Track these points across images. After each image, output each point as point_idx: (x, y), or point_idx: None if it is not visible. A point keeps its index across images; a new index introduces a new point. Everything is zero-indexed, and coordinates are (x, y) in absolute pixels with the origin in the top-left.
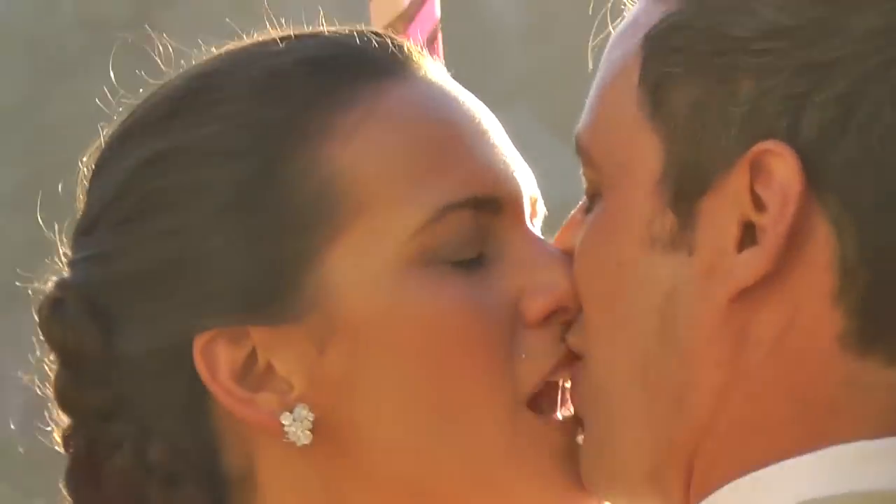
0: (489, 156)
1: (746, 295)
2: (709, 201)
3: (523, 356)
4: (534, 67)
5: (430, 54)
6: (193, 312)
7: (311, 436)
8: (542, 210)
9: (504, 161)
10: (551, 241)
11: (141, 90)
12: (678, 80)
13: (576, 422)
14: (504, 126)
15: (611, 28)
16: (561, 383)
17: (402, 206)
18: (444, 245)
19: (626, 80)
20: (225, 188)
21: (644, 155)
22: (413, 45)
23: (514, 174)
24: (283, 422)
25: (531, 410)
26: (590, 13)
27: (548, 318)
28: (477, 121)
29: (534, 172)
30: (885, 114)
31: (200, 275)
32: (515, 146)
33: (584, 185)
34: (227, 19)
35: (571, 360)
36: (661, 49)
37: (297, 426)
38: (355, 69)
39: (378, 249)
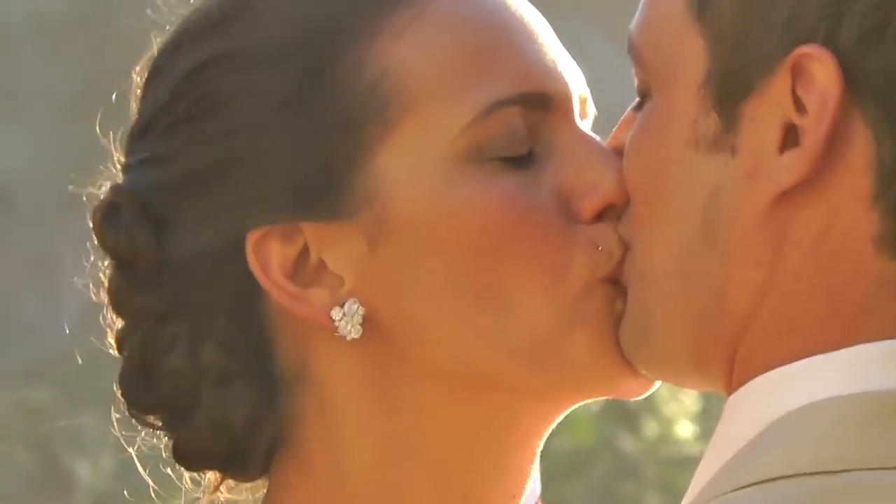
0: (538, 54)
1: (787, 196)
2: (751, 104)
3: (599, 248)
4: None
5: None
6: (246, 211)
7: (362, 330)
8: (592, 111)
9: (553, 60)
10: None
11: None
12: None
13: None
14: (558, 32)
15: None
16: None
17: (452, 103)
18: (493, 142)
19: None
20: (275, 89)
21: (690, 55)
22: None
23: (564, 73)
24: (334, 316)
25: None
26: None
27: (601, 214)
28: (525, 21)
29: (586, 77)
30: None
31: (253, 174)
32: (568, 50)
33: (636, 83)
34: None
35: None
36: None
37: (347, 320)
38: None
39: (428, 146)
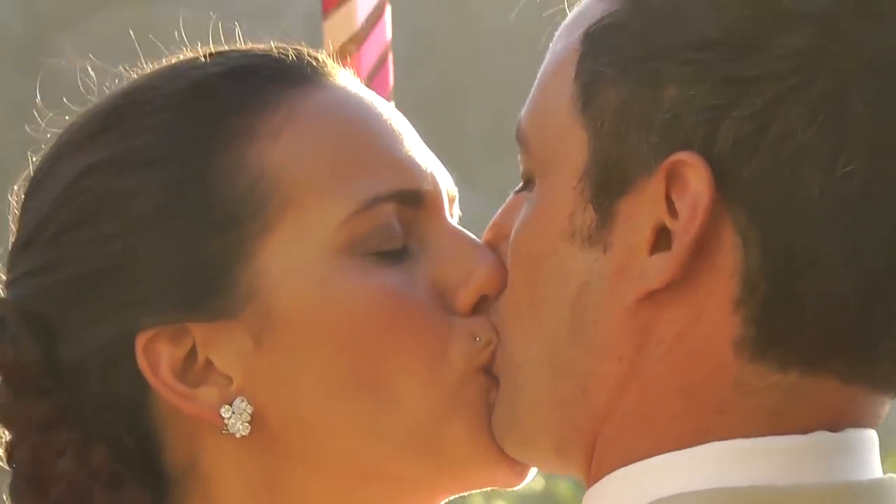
0: (410, 154)
1: (653, 296)
2: (627, 202)
3: (477, 339)
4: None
5: (382, 74)
6: (133, 313)
7: (250, 427)
8: (457, 211)
9: (423, 159)
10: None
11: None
12: (609, 79)
13: None
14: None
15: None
16: None
17: (330, 199)
18: (370, 236)
19: (564, 72)
20: (155, 193)
21: (572, 148)
22: (327, 57)
23: (434, 172)
24: (224, 414)
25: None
26: None
27: (477, 306)
28: (393, 123)
29: None
30: (797, 134)
31: (137, 276)
32: None
33: (521, 169)
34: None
35: None
36: (596, 47)
37: (236, 418)
38: (276, 76)
39: (307, 241)
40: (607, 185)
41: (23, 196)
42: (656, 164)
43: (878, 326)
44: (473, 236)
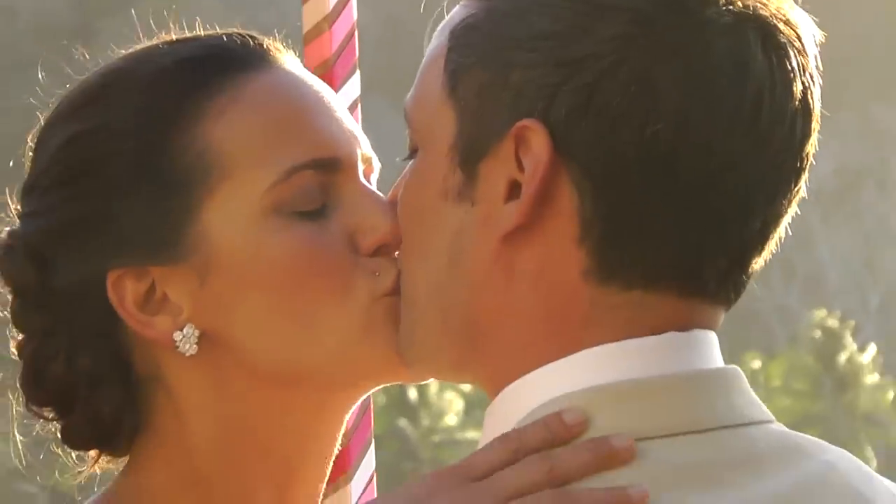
0: (329, 126)
1: (512, 238)
2: (486, 164)
3: (377, 274)
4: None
5: (349, 49)
6: (106, 256)
7: (198, 347)
8: (377, 166)
9: (342, 129)
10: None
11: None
12: (469, 69)
13: None
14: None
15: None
16: None
17: (258, 170)
18: (291, 199)
19: (437, 64)
20: (125, 160)
21: (443, 124)
22: (273, 42)
23: (350, 139)
24: (176, 338)
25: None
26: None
27: (378, 250)
28: (321, 99)
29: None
30: (614, 104)
31: (110, 227)
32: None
33: (408, 142)
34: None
35: None
36: (458, 43)
37: (186, 341)
38: (224, 64)
39: (241, 204)
40: (470, 151)
41: (32, 146)
42: (506, 130)
43: (696, 254)
44: (380, 194)
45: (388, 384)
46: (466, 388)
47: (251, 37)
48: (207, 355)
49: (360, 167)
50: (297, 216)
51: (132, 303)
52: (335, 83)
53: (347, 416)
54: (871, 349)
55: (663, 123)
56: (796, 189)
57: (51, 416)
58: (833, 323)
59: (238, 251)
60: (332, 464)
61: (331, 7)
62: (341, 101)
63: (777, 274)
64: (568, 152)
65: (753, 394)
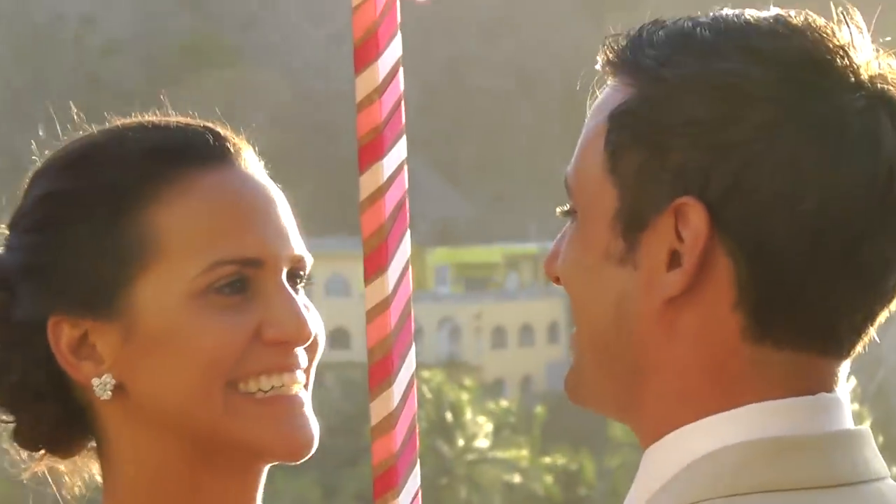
0: (262, 228)
1: (674, 301)
2: (647, 235)
3: (259, 364)
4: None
5: (396, 116)
6: (52, 301)
7: (110, 395)
8: (310, 261)
9: (272, 231)
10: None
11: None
12: (629, 148)
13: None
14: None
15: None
16: (291, 382)
17: (189, 259)
18: (213, 288)
19: (596, 142)
20: (85, 225)
21: (605, 197)
22: (236, 139)
23: (277, 241)
24: (94, 383)
25: (249, 394)
26: None
27: (279, 344)
28: (261, 201)
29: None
30: (765, 185)
31: (61, 278)
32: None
33: (568, 205)
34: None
35: (296, 379)
36: (618, 125)
37: (101, 387)
38: (183, 158)
39: (169, 285)
40: (632, 222)
41: (24, 187)
42: (666, 206)
43: (836, 315)
44: (295, 296)
45: (287, 462)
46: (496, 412)
47: (215, 133)
48: (120, 402)
49: (284, 268)
50: (215, 302)
51: (65, 345)
52: (384, 147)
53: (262, 479)
54: (851, 381)
55: (809, 201)
56: None
57: (5, 417)
58: None
59: (159, 322)
60: (379, 482)
61: (380, 79)
62: (390, 164)
63: None
64: (723, 227)
65: (877, 450)
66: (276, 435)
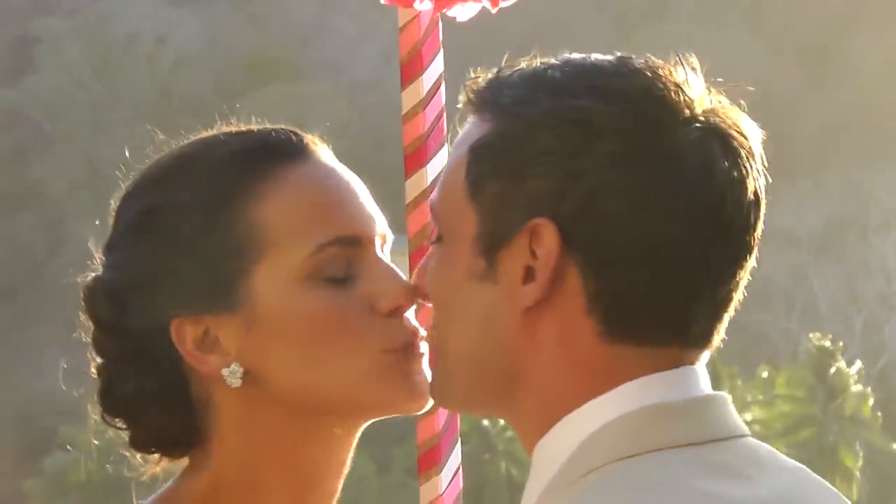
0: (353, 209)
1: (532, 311)
2: (504, 253)
3: (389, 333)
4: None
5: (439, 128)
6: (171, 306)
7: (241, 382)
8: (391, 238)
9: (363, 212)
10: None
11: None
12: (487, 178)
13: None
14: None
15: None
16: (416, 341)
17: (296, 243)
18: (322, 269)
19: (458, 172)
20: (191, 230)
21: (466, 222)
22: (312, 137)
23: (369, 220)
24: (223, 373)
25: (392, 356)
26: None
27: (392, 311)
28: (348, 187)
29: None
30: (610, 208)
31: (174, 282)
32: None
33: (435, 231)
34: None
35: (417, 334)
36: (477, 157)
37: (231, 377)
38: (272, 155)
39: (282, 270)
40: (491, 244)
41: (115, 207)
42: (521, 227)
43: (685, 317)
44: (393, 266)
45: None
46: None
47: (294, 132)
48: (248, 388)
49: (378, 243)
50: (326, 282)
51: (191, 343)
52: (427, 155)
53: (355, 441)
54: (857, 364)
55: (651, 223)
56: (749, 262)
57: (121, 425)
58: (825, 343)
59: (278, 307)
60: (423, 459)
61: (424, 93)
62: (433, 170)
63: (781, 304)
64: (573, 245)
65: (735, 411)
66: (411, 392)
